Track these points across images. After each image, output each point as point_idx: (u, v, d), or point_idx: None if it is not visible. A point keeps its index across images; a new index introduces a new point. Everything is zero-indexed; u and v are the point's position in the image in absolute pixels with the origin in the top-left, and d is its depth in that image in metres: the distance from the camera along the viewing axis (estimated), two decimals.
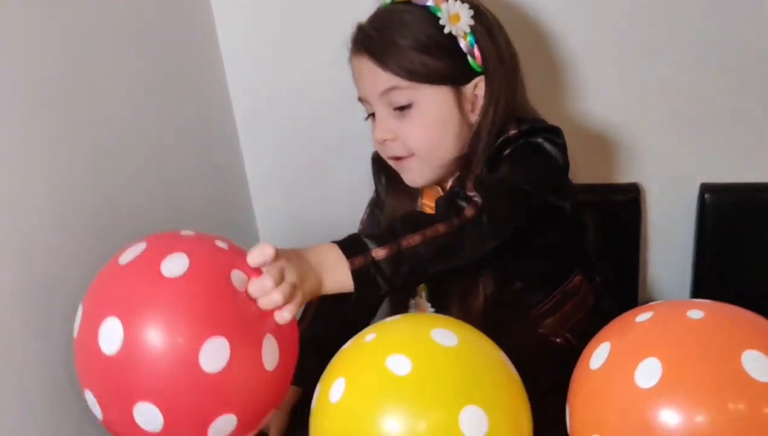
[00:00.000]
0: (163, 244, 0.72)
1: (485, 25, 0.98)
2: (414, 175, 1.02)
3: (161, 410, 0.66)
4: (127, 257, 0.71)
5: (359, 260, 0.79)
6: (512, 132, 0.97)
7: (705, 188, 1.24)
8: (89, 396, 0.71)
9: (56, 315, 0.89)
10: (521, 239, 0.92)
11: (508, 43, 1.02)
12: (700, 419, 0.57)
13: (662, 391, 0.60)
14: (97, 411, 0.71)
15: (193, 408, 0.66)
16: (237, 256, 0.73)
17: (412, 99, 0.96)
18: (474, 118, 0.98)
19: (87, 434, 0.89)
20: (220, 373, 0.65)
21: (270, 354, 0.68)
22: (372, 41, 0.97)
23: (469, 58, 0.96)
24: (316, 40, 1.24)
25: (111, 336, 0.66)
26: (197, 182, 1.27)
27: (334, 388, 0.67)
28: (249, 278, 0.71)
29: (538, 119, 1.01)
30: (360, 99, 1.02)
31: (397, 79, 0.95)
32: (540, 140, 0.97)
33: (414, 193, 1.08)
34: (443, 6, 0.96)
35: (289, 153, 1.37)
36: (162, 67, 1.18)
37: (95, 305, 0.70)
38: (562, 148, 0.97)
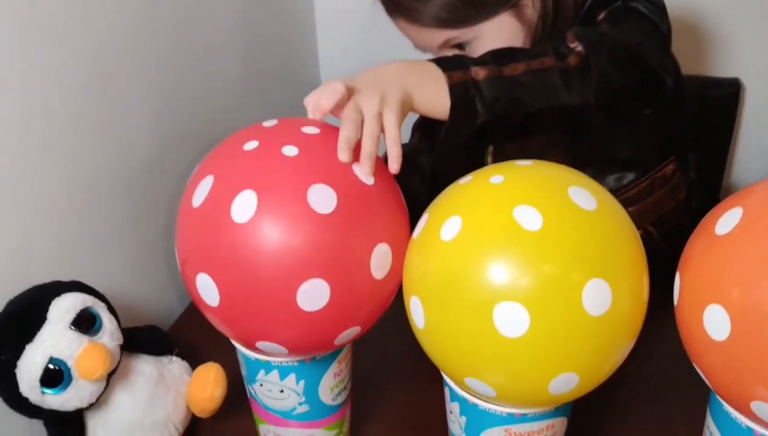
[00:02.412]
0: (274, 135, 0.65)
1: None
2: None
3: None
4: (248, 145, 0.64)
5: (458, 75, 0.69)
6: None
7: None
8: (204, 280, 0.62)
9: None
10: (613, 113, 0.80)
11: None
12: None
13: None
14: (213, 295, 0.63)
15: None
16: None
17: (473, 36, 0.85)
18: (536, 17, 0.86)
19: None
20: None
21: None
22: (401, 4, 0.85)
23: None
24: None
25: (245, 206, 0.59)
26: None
27: (447, 225, 0.57)
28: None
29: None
30: (416, 48, 0.90)
31: (446, 32, 0.84)
32: (637, 5, 0.83)
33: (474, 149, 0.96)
34: None
35: None
36: None
37: (227, 179, 0.63)
38: (662, 10, 0.84)
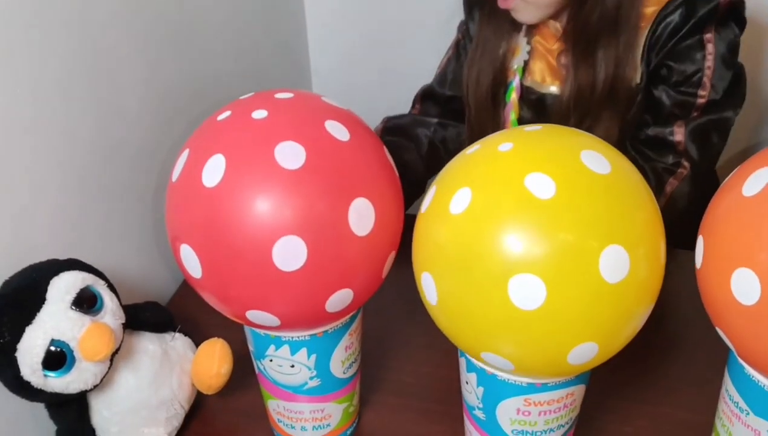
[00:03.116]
0: (247, 103, 0.65)
1: None
2: (524, 15, 0.88)
3: None
4: (221, 116, 0.64)
5: None
6: None
7: None
8: (186, 251, 0.62)
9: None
10: None
11: None
12: None
13: None
14: (195, 266, 0.62)
15: None
16: (324, 106, 0.65)
17: None
18: None
19: None
20: None
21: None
22: None
23: None
24: None
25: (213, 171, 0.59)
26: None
27: (457, 197, 0.55)
28: (346, 127, 0.62)
29: None
30: None
31: None
32: (737, 32, 0.85)
33: (519, 26, 0.93)
34: None
35: None
36: None
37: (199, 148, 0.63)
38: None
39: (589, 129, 0.85)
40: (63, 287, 0.69)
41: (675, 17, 0.84)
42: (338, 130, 0.62)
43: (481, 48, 0.95)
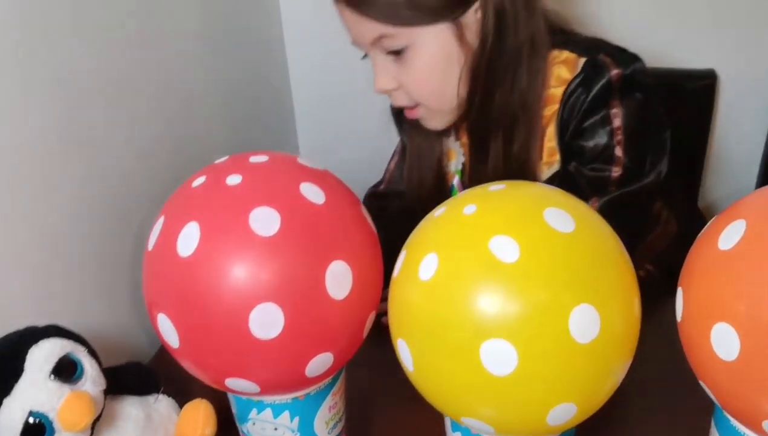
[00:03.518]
0: (221, 168, 0.65)
1: None
2: (432, 123, 0.89)
3: None
4: (196, 182, 0.64)
5: None
6: (614, 72, 0.81)
7: None
8: (163, 321, 0.62)
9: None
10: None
11: None
12: None
13: None
14: (173, 336, 0.62)
15: None
16: (299, 169, 0.65)
17: (407, 42, 0.81)
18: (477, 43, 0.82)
19: None
20: None
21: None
22: None
23: None
24: None
25: (188, 240, 0.59)
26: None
27: (425, 263, 0.55)
28: (321, 189, 0.62)
29: (618, 48, 0.85)
30: (353, 43, 0.87)
31: (384, 27, 0.80)
32: (641, 98, 0.83)
33: (447, 130, 0.93)
34: None
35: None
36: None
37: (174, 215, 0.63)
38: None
39: None
40: (42, 357, 0.68)
41: (576, 96, 0.83)
42: (313, 193, 0.62)
43: (417, 156, 0.96)
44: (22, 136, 0.76)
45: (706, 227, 0.59)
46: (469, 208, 0.57)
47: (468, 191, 0.61)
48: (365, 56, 0.87)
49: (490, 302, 0.52)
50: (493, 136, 0.85)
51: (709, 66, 1.15)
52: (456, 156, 0.95)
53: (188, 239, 0.59)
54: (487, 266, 0.53)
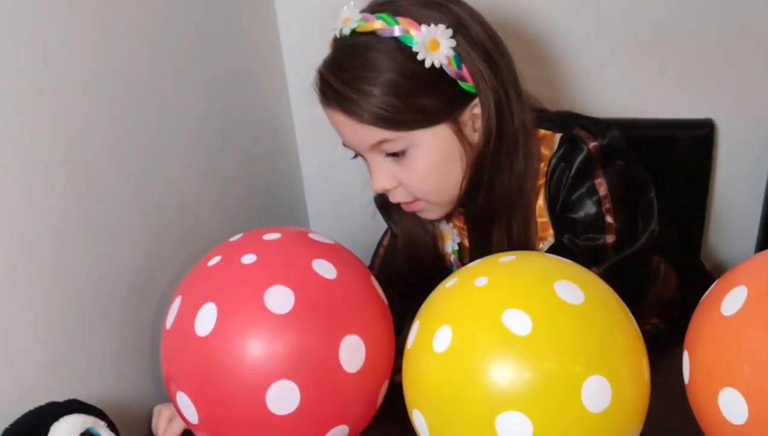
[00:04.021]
0: (236, 247, 0.67)
1: (465, 35, 0.79)
2: (431, 214, 0.89)
3: None
4: (212, 262, 0.66)
5: None
6: (591, 144, 0.82)
7: None
8: (182, 398, 0.64)
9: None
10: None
11: (493, 38, 0.82)
12: None
13: None
14: (192, 413, 0.63)
15: None
16: (311, 245, 0.67)
17: (407, 145, 0.80)
18: (477, 138, 0.83)
19: None
20: None
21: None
22: (340, 95, 0.79)
23: (460, 82, 0.79)
24: None
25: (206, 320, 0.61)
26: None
27: (439, 336, 0.57)
28: (333, 264, 0.64)
29: (591, 119, 0.87)
30: (345, 145, 0.85)
31: (383, 132, 0.79)
32: (622, 164, 0.84)
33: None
34: (415, 35, 0.76)
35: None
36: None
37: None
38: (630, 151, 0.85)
39: None
40: (63, 433, 0.70)
41: (559, 171, 0.84)
42: (325, 269, 0.64)
43: (411, 243, 0.96)
44: (41, 209, 0.78)
45: (708, 291, 0.61)
46: (481, 281, 0.59)
47: (479, 262, 0.63)
48: (355, 156, 0.87)
49: (505, 375, 0.54)
50: (495, 224, 0.86)
51: (706, 115, 1.18)
52: (449, 238, 0.96)
53: (206, 319, 0.61)
54: (500, 339, 0.54)
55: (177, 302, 0.65)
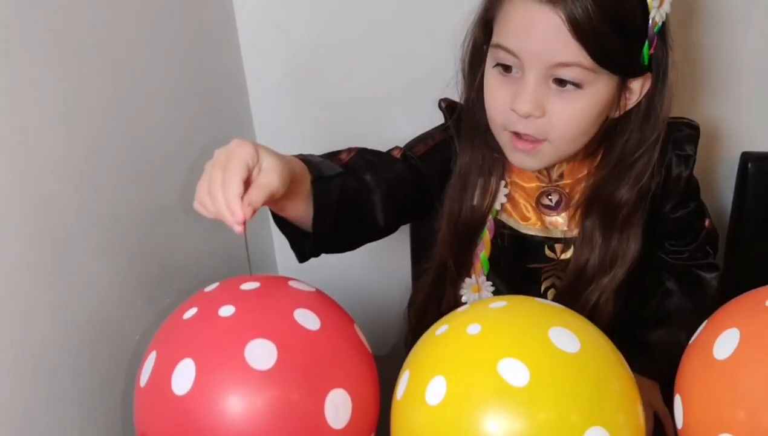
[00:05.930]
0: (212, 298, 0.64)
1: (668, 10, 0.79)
2: (531, 161, 0.83)
3: None
4: (187, 314, 0.63)
5: None
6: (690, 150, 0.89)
7: (747, 157, 1.14)
8: None
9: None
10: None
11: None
12: None
13: None
14: None
15: None
16: (291, 294, 0.65)
17: (584, 81, 0.77)
18: (617, 113, 0.82)
19: None
20: None
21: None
22: (576, 3, 0.73)
23: (646, 47, 0.78)
24: None
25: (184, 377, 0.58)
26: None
27: (432, 387, 0.54)
28: (315, 314, 0.62)
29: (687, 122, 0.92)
30: (499, 46, 0.78)
31: (585, 58, 0.75)
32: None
33: (498, 167, 0.89)
34: None
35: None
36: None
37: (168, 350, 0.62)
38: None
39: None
40: None
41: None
42: (308, 319, 0.61)
43: (462, 183, 0.90)
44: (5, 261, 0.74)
45: (696, 333, 0.60)
46: (473, 328, 0.56)
47: (469, 308, 0.61)
48: (497, 66, 0.81)
49: (503, 428, 0.51)
50: (617, 229, 0.87)
51: None
52: (499, 195, 0.91)
53: (183, 377, 0.57)
54: (497, 391, 0.52)
55: (151, 358, 0.61)
